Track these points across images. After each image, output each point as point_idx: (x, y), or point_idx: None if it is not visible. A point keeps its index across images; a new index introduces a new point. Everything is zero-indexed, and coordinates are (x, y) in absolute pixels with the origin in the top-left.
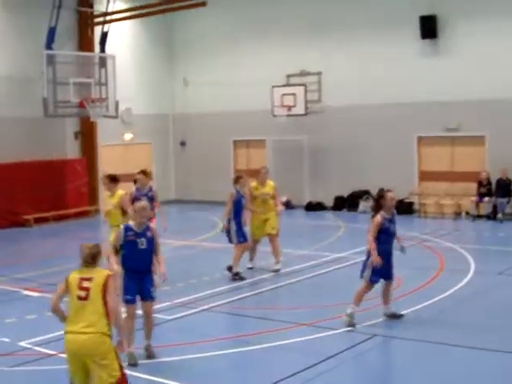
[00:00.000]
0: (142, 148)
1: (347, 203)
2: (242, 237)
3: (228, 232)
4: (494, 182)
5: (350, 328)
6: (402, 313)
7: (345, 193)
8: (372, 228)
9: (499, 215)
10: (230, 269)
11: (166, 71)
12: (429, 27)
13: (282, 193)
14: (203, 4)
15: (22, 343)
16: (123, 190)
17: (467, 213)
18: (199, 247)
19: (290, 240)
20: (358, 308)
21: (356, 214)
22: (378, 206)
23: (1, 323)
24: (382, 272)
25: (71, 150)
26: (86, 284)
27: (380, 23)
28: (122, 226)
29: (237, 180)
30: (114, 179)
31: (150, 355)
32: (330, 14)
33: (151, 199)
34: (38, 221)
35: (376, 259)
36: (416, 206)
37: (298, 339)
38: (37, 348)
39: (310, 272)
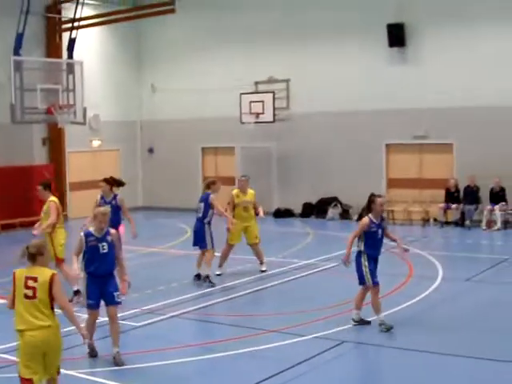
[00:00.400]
0: (109, 155)
1: (316, 210)
2: (214, 242)
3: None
4: (461, 189)
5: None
6: (370, 319)
7: (313, 200)
8: (358, 228)
9: (467, 222)
10: (198, 276)
11: (134, 78)
12: (396, 35)
13: None
14: (172, 11)
15: None
16: (55, 198)
17: (435, 219)
18: (167, 254)
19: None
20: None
21: (324, 220)
22: (368, 209)
23: None
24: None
25: (39, 157)
26: (31, 283)
27: (348, 31)
28: (81, 233)
29: (209, 186)
30: (46, 186)
31: (117, 363)
32: (298, 21)
33: (117, 208)
34: (6, 227)
35: (347, 258)
36: (384, 214)
37: (267, 346)
38: (2, 355)
39: (279, 279)
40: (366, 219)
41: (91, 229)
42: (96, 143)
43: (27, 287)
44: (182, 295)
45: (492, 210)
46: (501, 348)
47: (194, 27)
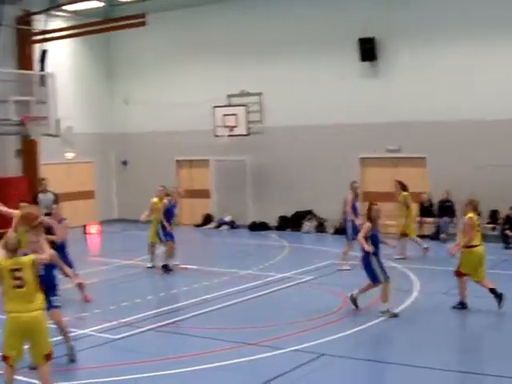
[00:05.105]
0: (83, 167)
1: (291, 223)
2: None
3: None
4: (436, 202)
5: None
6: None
7: (288, 213)
8: (362, 230)
9: (442, 235)
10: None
11: (107, 90)
12: (367, 49)
13: (226, 212)
14: (142, 24)
15: None
16: None
17: (418, 236)
18: (142, 267)
19: (235, 260)
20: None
21: (300, 234)
22: (367, 215)
23: None
24: None
25: (12, 168)
26: (18, 274)
27: (319, 45)
28: None
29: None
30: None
31: (72, 358)
32: (270, 34)
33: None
34: None
35: (368, 247)
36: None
37: (244, 359)
38: None
39: (255, 292)
40: (367, 224)
41: None
42: (70, 155)
43: (15, 278)
44: (158, 308)
45: None
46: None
47: (166, 40)
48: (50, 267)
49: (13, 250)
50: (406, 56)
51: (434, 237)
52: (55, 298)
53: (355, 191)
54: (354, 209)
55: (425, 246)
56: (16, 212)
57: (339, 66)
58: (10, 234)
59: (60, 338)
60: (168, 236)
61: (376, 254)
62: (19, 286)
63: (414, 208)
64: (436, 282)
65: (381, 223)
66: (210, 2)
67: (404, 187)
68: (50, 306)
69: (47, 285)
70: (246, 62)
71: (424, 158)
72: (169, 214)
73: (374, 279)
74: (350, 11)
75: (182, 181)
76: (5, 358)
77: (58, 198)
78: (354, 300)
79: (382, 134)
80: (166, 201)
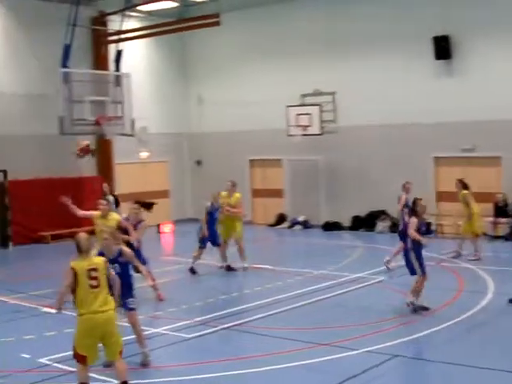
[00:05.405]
0: (158, 166)
1: (364, 223)
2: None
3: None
4: (511, 202)
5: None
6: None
7: (362, 213)
8: (411, 226)
9: None
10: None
11: (181, 89)
12: (442, 48)
13: (299, 212)
14: (217, 23)
15: (42, 360)
16: None
17: (484, 234)
18: (214, 266)
19: (308, 260)
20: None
21: (373, 234)
22: (413, 211)
23: (20, 340)
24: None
25: (86, 168)
26: (94, 274)
27: (393, 43)
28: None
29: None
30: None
31: (144, 363)
32: (345, 33)
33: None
34: (55, 238)
35: (425, 240)
36: (434, 227)
37: (318, 359)
38: (56, 365)
39: (328, 292)
40: (414, 219)
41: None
42: (144, 155)
43: (91, 278)
44: (231, 308)
45: None
46: None
47: (240, 39)
48: (125, 266)
49: (86, 251)
50: (481, 54)
51: (509, 237)
52: (131, 300)
53: (408, 191)
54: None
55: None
56: (95, 213)
57: (413, 64)
58: (82, 234)
59: (134, 336)
60: (205, 241)
61: (417, 248)
62: (95, 286)
63: (477, 206)
64: (510, 284)
65: (452, 223)
66: (283, 2)
67: (465, 186)
68: (125, 307)
69: (123, 284)
70: (319, 61)
71: (499, 158)
72: (210, 217)
73: (412, 271)
74: (424, 9)
75: (255, 180)
76: (81, 358)
77: (118, 201)
78: (416, 307)
79: (456, 133)
80: (208, 204)
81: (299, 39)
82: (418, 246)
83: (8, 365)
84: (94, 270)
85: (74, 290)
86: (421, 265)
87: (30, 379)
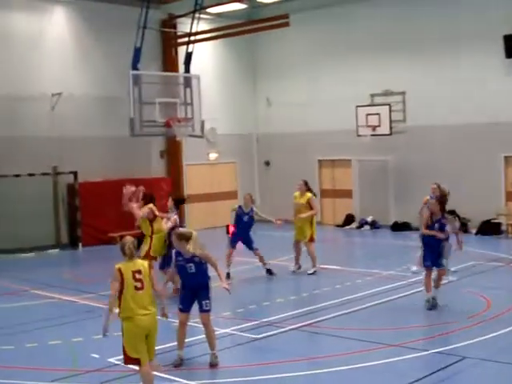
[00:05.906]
0: (226, 167)
1: None
2: None
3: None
4: None
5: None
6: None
7: None
8: (421, 223)
9: None
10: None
11: (250, 91)
12: None
13: (368, 212)
14: (286, 24)
15: (111, 359)
16: None
17: None
18: (285, 266)
19: (377, 260)
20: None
21: None
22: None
23: (90, 339)
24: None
25: (156, 169)
26: (138, 276)
27: (463, 42)
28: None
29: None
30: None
31: (212, 363)
32: (414, 33)
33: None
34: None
35: (440, 234)
36: (503, 227)
37: (385, 361)
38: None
39: (398, 293)
40: (424, 215)
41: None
42: (213, 156)
43: (136, 280)
44: (300, 308)
45: None
46: None
47: (309, 40)
48: (201, 265)
49: (130, 255)
50: None
51: None
52: (207, 301)
53: (435, 193)
54: None
55: None
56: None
57: (483, 63)
58: (128, 238)
59: (202, 336)
60: (232, 242)
61: (430, 242)
62: (140, 288)
63: None
64: None
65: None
66: (351, 1)
67: None
68: (200, 309)
69: (199, 284)
70: (388, 61)
71: None
72: (238, 221)
73: (441, 263)
74: (494, 8)
75: (324, 181)
76: (135, 361)
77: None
78: (435, 304)
79: None
80: (236, 206)
81: (368, 39)
82: (435, 241)
83: (79, 364)
84: (139, 272)
85: (120, 292)
86: (423, 257)
87: (99, 378)
